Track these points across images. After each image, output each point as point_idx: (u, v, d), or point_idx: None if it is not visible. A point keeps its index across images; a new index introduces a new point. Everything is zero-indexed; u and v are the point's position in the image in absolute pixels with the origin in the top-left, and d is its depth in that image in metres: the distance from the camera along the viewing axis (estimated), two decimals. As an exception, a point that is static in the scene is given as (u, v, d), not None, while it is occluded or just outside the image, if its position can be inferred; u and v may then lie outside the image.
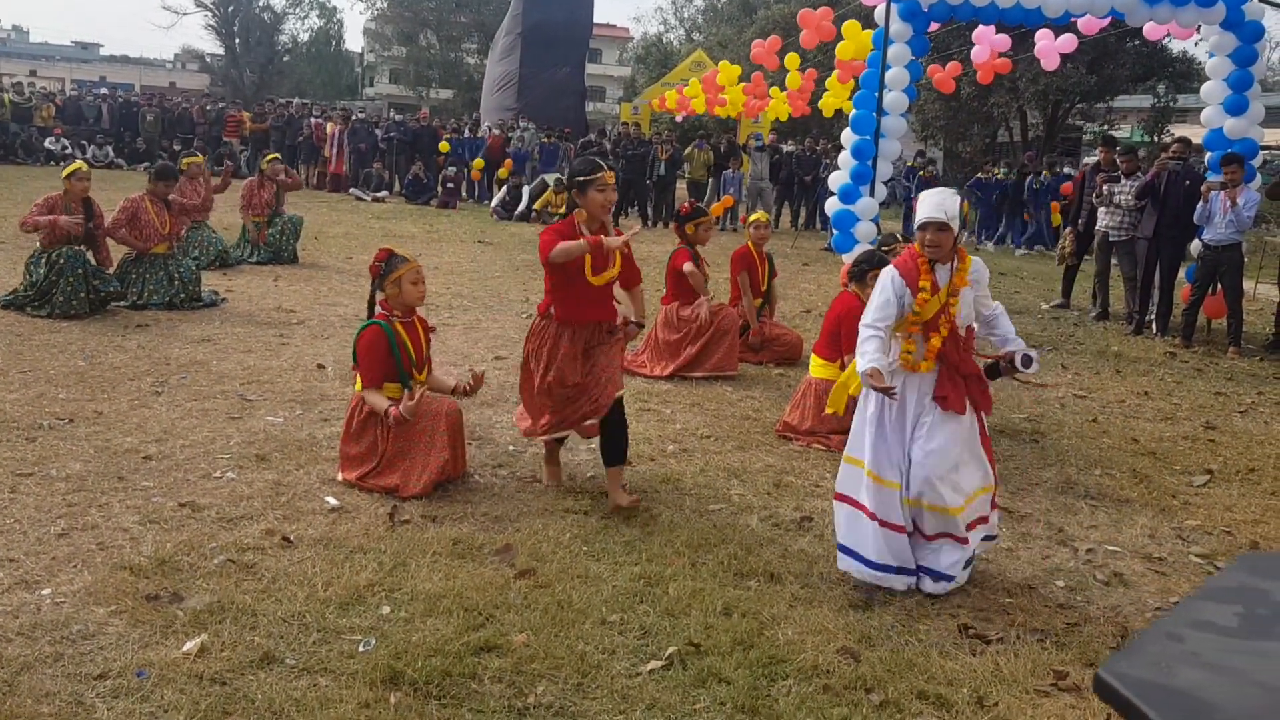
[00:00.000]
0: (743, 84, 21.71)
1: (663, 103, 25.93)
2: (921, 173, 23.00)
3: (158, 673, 3.33)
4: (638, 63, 57.59)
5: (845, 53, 14.51)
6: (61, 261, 8.18)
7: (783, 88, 20.97)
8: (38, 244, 8.46)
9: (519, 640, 3.69)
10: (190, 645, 3.48)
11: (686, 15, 55.91)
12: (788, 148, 23.63)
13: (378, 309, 5.31)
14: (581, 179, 4.98)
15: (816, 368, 6.63)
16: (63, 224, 8.18)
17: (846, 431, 6.44)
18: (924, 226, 4.23)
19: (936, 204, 4.22)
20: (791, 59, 18.48)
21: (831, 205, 11.91)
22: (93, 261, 8.55)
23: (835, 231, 12.05)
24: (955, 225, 4.20)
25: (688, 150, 22.01)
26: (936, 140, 35.52)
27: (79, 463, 5.13)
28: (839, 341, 6.42)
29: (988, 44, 15.36)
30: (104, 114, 25.74)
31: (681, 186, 22.20)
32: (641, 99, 32.20)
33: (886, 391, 4.08)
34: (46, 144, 24.19)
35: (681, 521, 4.96)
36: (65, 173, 8.51)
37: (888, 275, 4.26)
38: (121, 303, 8.73)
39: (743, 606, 4.10)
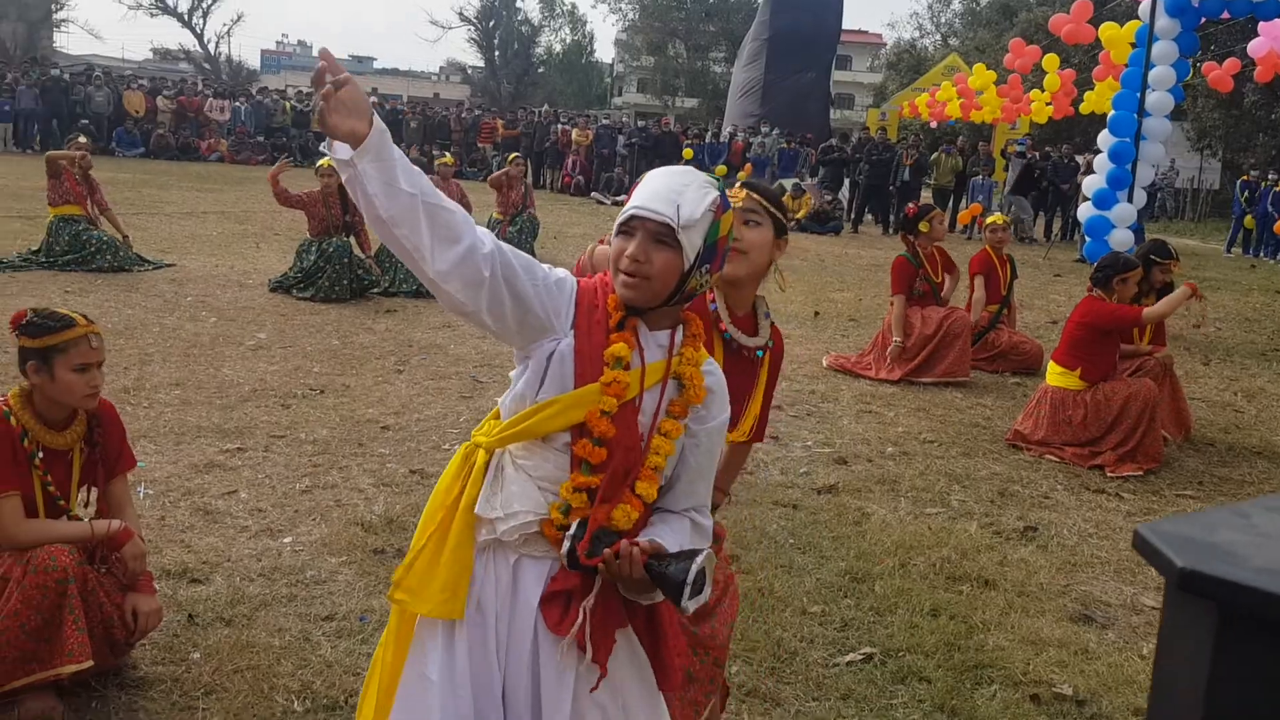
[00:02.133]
0: (998, 86, 20.87)
1: (913, 108, 25.33)
2: None
3: (378, 619, 3.55)
4: (889, 69, 56.35)
5: (1106, 32, 13.69)
6: (330, 250, 8.91)
7: (1041, 90, 20.04)
8: (307, 234, 9.20)
9: (717, 621, 3.68)
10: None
11: (943, 20, 54.20)
12: (1043, 154, 22.54)
13: None
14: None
15: (1054, 375, 6.30)
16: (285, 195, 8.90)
17: (1083, 444, 6.18)
18: (628, 226, 1.92)
19: (665, 191, 1.92)
20: (1050, 60, 17.62)
21: (1085, 211, 11.30)
22: (357, 252, 9.24)
23: (1088, 239, 11.41)
24: (690, 247, 1.91)
25: (934, 156, 21.37)
26: (1214, 150, 32.96)
27: (325, 429, 5.55)
28: (1078, 348, 6.07)
29: (1270, 40, 14.13)
30: (374, 121, 27.66)
31: (927, 195, 21.51)
32: (890, 104, 31.56)
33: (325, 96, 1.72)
34: (321, 148, 26.14)
35: (895, 522, 4.83)
36: (316, 166, 9.36)
37: (564, 272, 2.00)
38: (376, 289, 9.37)
39: (952, 609, 3.95)
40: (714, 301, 2.55)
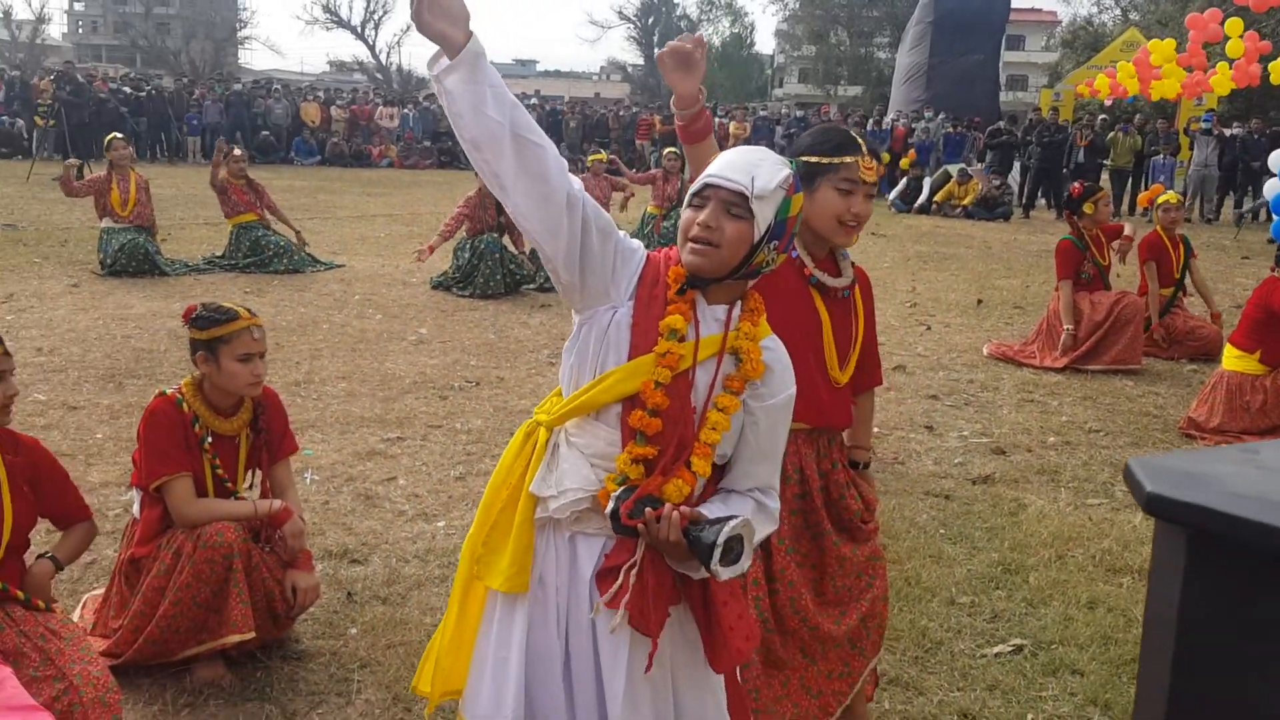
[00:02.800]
0: (1178, 55, 19.64)
1: (1089, 87, 24.19)
2: None
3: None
4: (1064, 47, 53.96)
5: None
6: (482, 247, 9.19)
7: (1229, 63, 18.79)
8: (463, 232, 9.50)
9: (860, 610, 3.64)
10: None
11: (1125, -8, 51.47)
12: (1232, 131, 21.20)
13: None
14: (814, 160, 2.49)
15: (1231, 359, 5.94)
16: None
17: (1263, 432, 5.80)
18: (700, 196, 1.93)
19: (740, 163, 1.91)
20: (1234, 24, 16.48)
21: (1271, 188, 10.56)
22: (510, 248, 9.47)
23: (1276, 218, 10.68)
24: (761, 219, 1.89)
25: (1111, 135, 20.34)
26: None
27: (480, 419, 5.72)
28: (1257, 330, 5.71)
29: None
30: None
31: (1105, 177, 20.42)
32: (1064, 84, 30.24)
33: None
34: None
35: (1053, 513, 4.66)
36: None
37: (638, 244, 1.99)
38: (530, 285, 9.59)
39: (1110, 602, 3.79)
40: (795, 249, 2.54)
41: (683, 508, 1.85)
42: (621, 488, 1.89)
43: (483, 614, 2.02)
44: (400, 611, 3.57)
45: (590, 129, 27.08)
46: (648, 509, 1.83)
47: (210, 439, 3.17)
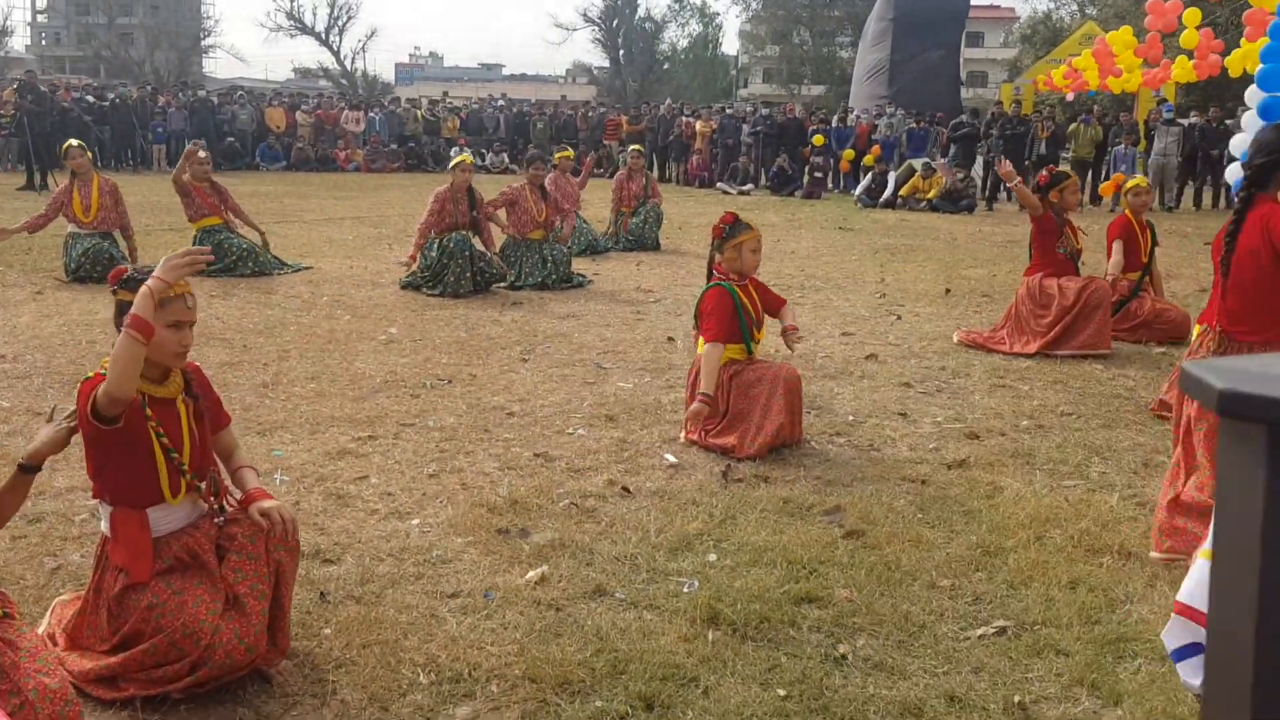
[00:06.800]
0: (1137, 45, 19.82)
1: (1049, 81, 24.35)
2: None
3: (502, 595, 3.61)
4: (1023, 43, 54.41)
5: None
6: (451, 245, 9.07)
7: (1187, 54, 18.96)
8: (431, 231, 9.42)
9: (842, 595, 3.64)
10: (532, 575, 3.74)
11: (1081, -13, 51.88)
12: (1190, 120, 21.42)
13: (715, 273, 5.48)
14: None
15: (1199, 341, 5.97)
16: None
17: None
18: None
19: None
20: (1191, 15, 16.65)
21: (1234, 173, 10.68)
22: (478, 246, 9.39)
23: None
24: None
25: (1072, 127, 20.51)
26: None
27: (453, 416, 5.66)
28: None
29: None
30: (501, 124, 28.13)
31: (1066, 168, 20.50)
32: (1023, 78, 30.45)
33: None
34: (452, 153, 26.76)
35: (1030, 495, 4.66)
36: (452, 164, 9.60)
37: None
38: (501, 284, 9.51)
39: (1091, 582, 3.78)
40: None
41: None
42: None
43: None
44: (375, 611, 3.50)
45: (558, 130, 27.00)
46: None
47: (149, 407, 3.00)
